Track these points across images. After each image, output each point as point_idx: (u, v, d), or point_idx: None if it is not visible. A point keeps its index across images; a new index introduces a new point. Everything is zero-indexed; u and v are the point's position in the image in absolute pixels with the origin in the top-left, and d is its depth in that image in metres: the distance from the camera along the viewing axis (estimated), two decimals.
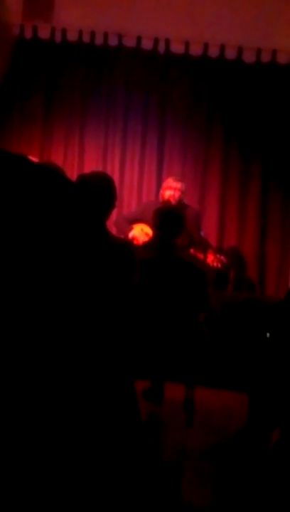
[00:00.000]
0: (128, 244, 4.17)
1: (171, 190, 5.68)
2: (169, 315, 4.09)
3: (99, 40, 6.59)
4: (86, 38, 6.60)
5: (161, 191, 5.83)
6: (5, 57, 0.65)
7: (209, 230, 6.48)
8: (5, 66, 0.65)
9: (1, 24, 0.64)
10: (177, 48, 6.54)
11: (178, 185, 5.71)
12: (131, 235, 5.63)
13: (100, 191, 3.50)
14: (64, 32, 6.59)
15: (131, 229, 5.69)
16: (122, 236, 5.52)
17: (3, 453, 0.58)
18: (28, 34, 6.57)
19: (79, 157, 6.67)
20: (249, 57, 6.50)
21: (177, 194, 5.66)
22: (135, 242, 5.41)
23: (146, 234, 5.55)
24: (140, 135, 6.65)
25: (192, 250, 5.51)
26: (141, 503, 0.65)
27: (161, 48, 6.56)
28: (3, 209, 0.60)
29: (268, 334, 3.54)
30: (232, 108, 6.53)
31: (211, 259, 5.59)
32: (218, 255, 5.74)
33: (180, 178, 5.92)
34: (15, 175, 0.63)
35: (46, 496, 0.59)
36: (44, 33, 6.62)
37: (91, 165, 6.51)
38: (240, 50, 6.49)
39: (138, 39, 6.54)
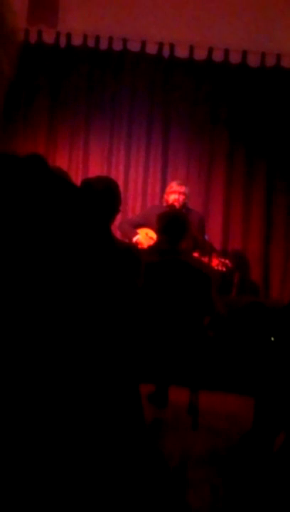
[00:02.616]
0: (133, 248, 4.17)
1: (176, 194, 5.68)
2: (174, 319, 4.09)
3: (103, 45, 6.61)
4: (90, 43, 6.61)
5: (165, 196, 5.83)
6: (11, 62, 0.65)
7: (213, 233, 6.48)
8: (12, 71, 0.65)
9: (8, 29, 0.64)
10: (181, 52, 6.55)
11: (182, 189, 5.71)
12: (135, 239, 5.63)
13: (105, 195, 3.50)
14: (68, 36, 6.61)
15: (135, 234, 5.69)
16: (127, 240, 5.53)
17: (4, 454, 0.58)
18: (33, 39, 6.59)
19: (83, 161, 6.68)
20: (253, 61, 6.51)
21: (181, 198, 5.66)
22: (140, 246, 5.41)
23: (151, 238, 5.55)
24: (144, 139, 6.66)
25: (196, 254, 5.51)
26: (145, 506, 0.65)
27: (166, 52, 6.57)
28: (9, 213, 0.61)
29: (272, 338, 3.54)
30: (236, 112, 6.54)
31: (216, 263, 5.59)
32: (223, 259, 5.74)
33: (183, 182, 5.93)
34: (21, 179, 0.63)
35: (47, 498, 0.59)
36: (49, 38, 6.63)
37: (95, 169, 6.52)
38: (244, 54, 6.50)
39: (143, 43, 6.56)
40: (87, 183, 3.70)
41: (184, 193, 5.69)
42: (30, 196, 0.62)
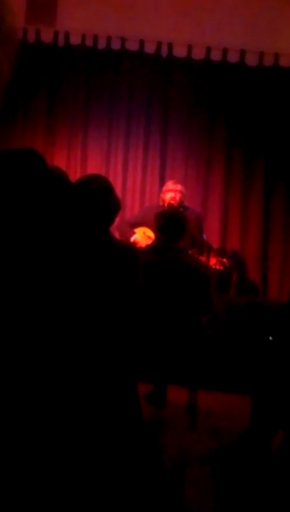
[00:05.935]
0: (131, 248, 4.17)
1: (172, 192, 5.66)
2: (172, 318, 4.08)
3: (101, 44, 6.60)
4: (89, 42, 6.61)
5: (162, 195, 5.80)
6: (10, 62, 0.65)
7: (211, 232, 6.48)
8: (10, 70, 0.65)
9: (6, 28, 0.64)
10: (179, 51, 6.54)
11: (178, 187, 5.70)
12: (133, 238, 5.63)
13: (99, 194, 3.48)
14: (67, 36, 6.61)
15: (133, 233, 5.69)
16: (125, 240, 5.52)
17: (5, 454, 0.58)
18: (31, 38, 6.58)
19: (82, 161, 6.68)
20: (251, 61, 6.51)
21: (178, 196, 5.64)
22: (138, 245, 5.40)
23: (149, 237, 5.55)
24: (143, 139, 6.66)
25: (194, 253, 5.51)
26: (143, 505, 0.65)
27: (164, 51, 6.57)
28: (7, 210, 0.60)
29: (271, 337, 3.54)
30: (234, 111, 6.54)
31: (214, 262, 5.58)
32: (220, 258, 5.73)
33: (179, 180, 5.90)
34: (21, 178, 0.63)
35: (46, 496, 0.59)
36: (47, 37, 6.63)
37: (94, 169, 6.51)
38: (243, 54, 6.50)
39: (141, 43, 6.56)
40: (82, 181, 3.68)
41: (180, 192, 5.68)
42: (26, 194, 0.62)
